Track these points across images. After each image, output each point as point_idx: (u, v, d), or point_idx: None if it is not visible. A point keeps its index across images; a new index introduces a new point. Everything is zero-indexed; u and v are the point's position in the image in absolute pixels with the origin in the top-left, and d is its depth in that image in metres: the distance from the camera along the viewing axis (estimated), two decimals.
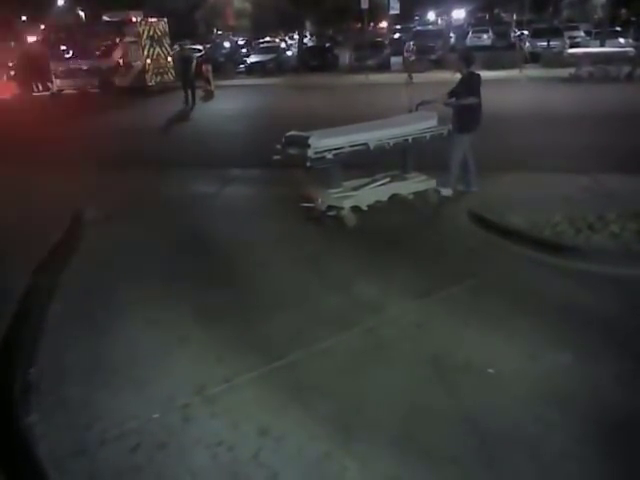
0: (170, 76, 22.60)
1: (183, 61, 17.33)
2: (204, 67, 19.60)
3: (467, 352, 3.60)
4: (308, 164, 5.56)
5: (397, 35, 36.11)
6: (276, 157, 5.87)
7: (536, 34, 25.03)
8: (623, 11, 34.45)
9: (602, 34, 23.70)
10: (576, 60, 17.87)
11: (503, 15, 49.48)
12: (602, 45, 22.13)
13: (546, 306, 4.14)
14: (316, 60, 26.95)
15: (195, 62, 17.78)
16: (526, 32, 26.60)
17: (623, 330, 3.80)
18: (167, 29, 22.49)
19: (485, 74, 6.77)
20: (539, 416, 3.00)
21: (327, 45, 31.11)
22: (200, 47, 30.14)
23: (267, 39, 37.75)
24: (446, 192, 6.51)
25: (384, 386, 3.34)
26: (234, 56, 30.65)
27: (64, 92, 22.40)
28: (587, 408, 3.05)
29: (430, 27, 39.48)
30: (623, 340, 3.68)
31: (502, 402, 3.14)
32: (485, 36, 30.94)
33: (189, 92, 16.60)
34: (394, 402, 3.19)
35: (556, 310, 4.07)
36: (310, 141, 5.53)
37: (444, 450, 2.81)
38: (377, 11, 36.47)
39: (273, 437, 2.93)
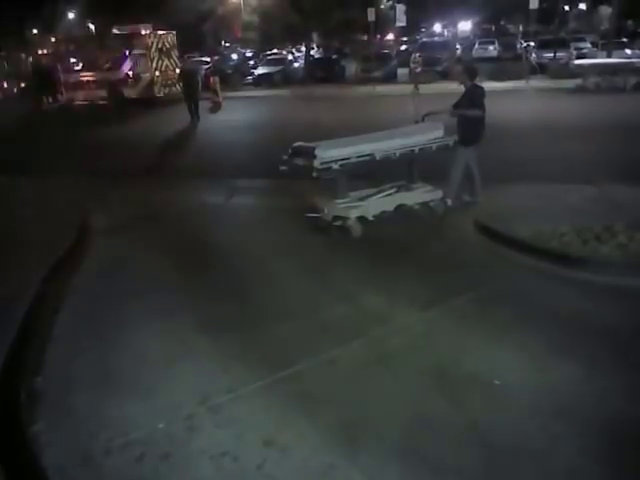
0: (178, 88, 22.80)
1: (186, 74, 16.64)
2: (212, 79, 19.80)
3: (473, 363, 3.58)
4: (314, 175, 5.59)
5: (403, 47, 36.27)
6: (283, 168, 5.90)
7: (542, 45, 25.02)
8: (629, 22, 34.49)
9: (609, 45, 23.67)
10: (582, 71, 17.86)
11: (509, 26, 49.63)
12: (609, 56, 22.10)
13: (552, 317, 4.11)
14: (323, 72, 27.05)
15: (201, 75, 16.77)
16: (532, 43, 26.65)
17: (630, 342, 3.77)
18: (175, 41, 22.72)
19: (491, 85, 6.82)
20: (545, 428, 2.98)
21: (334, 57, 31.28)
22: (208, 59, 30.42)
23: (274, 51, 38.01)
24: (449, 202, 6.52)
25: (389, 397, 3.33)
26: (242, 68, 30.88)
27: (73, 104, 22.65)
28: (593, 420, 3.03)
29: (436, 39, 39.63)
30: (630, 352, 3.65)
31: (508, 414, 3.12)
32: (491, 47, 31.00)
33: (192, 107, 15.62)
34: (399, 413, 3.17)
35: (562, 321, 4.05)
36: (316, 152, 5.56)
37: (449, 462, 2.79)
38: (384, 23, 36.69)
39: (278, 448, 2.93)
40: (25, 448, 3.03)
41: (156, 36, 21.79)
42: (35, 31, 36.53)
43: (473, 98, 6.33)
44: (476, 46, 31.55)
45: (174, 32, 22.89)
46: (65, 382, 3.60)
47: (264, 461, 2.84)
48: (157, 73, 21.69)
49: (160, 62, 21.80)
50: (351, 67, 27.21)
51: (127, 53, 21.70)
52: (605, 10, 33.68)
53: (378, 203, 6.14)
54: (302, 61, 33.48)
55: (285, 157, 5.91)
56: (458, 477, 2.70)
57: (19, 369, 3.68)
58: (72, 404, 3.38)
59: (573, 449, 2.83)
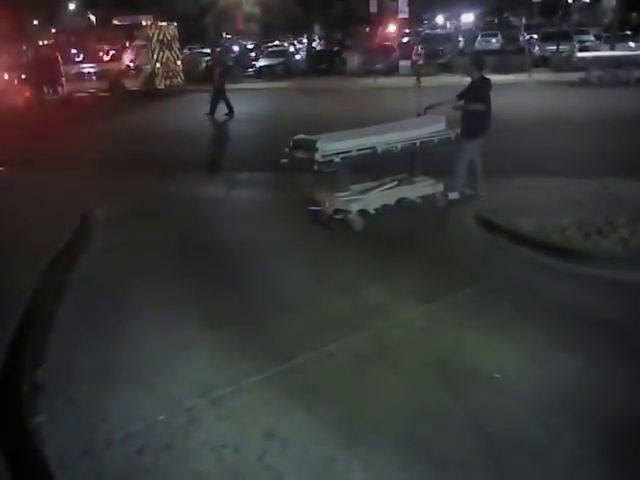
0: (179, 79, 22.75)
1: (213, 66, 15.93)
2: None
3: (473, 356, 3.59)
4: (316, 167, 5.57)
5: (406, 39, 36.10)
6: (284, 160, 5.89)
7: (545, 38, 24.93)
8: (633, 15, 34.27)
9: (612, 38, 23.56)
10: (585, 64, 17.78)
11: (512, 19, 49.34)
12: (612, 49, 22.00)
13: (553, 311, 4.11)
14: (324, 64, 26.99)
15: (222, 67, 15.89)
16: (535, 36, 26.51)
17: (631, 335, 3.77)
18: (177, 33, 22.64)
19: (494, 78, 6.76)
20: (545, 421, 2.98)
21: (335, 49, 31.17)
22: (209, 51, 30.29)
23: (276, 43, 37.86)
24: (453, 196, 6.50)
25: (390, 390, 3.33)
26: (243, 60, 30.76)
27: (74, 95, 22.60)
28: (594, 413, 3.03)
29: (439, 31, 39.49)
30: (630, 345, 3.65)
31: (508, 407, 3.13)
32: (494, 40, 30.80)
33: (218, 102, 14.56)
34: (400, 406, 3.18)
35: (563, 315, 4.05)
36: (318, 144, 5.54)
37: (450, 454, 2.80)
38: (386, 15, 36.49)
39: (278, 440, 2.94)
40: (26, 440, 3.04)
41: (157, 27, 21.70)
42: (36, 22, 36.36)
43: (479, 90, 6.29)
44: (479, 38, 31.34)
45: (175, 24, 22.80)
46: (66, 374, 3.60)
47: (265, 453, 2.85)
48: (158, 65, 21.62)
49: (161, 54, 21.74)
50: (353, 59, 27.09)
51: (128, 45, 21.63)
52: (608, 2, 33.44)
53: (379, 196, 6.13)
54: (304, 53, 33.38)
55: (286, 150, 5.89)
56: (459, 470, 2.71)
57: (20, 361, 3.69)
58: (73, 396, 3.38)
59: (573, 442, 2.84)
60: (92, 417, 3.18)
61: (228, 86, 15.44)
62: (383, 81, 21.49)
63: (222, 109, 14.72)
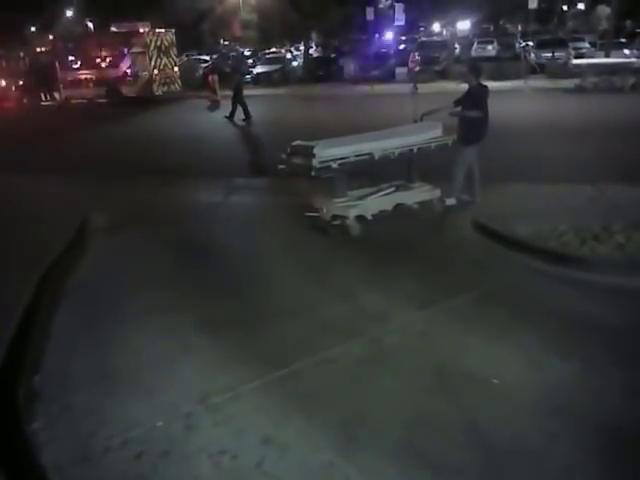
0: (177, 86, 22.81)
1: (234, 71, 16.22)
2: (210, 77, 19.82)
3: (471, 362, 3.59)
4: (313, 173, 5.59)
5: (402, 46, 36.26)
6: (281, 166, 5.91)
7: (541, 45, 25.09)
8: (628, 22, 34.49)
9: (607, 45, 23.71)
10: (581, 71, 17.90)
11: (508, 26, 49.63)
12: (607, 56, 22.15)
13: (550, 316, 4.12)
14: (321, 70, 27.11)
15: (242, 72, 16.26)
16: (531, 43, 26.67)
17: (627, 341, 3.78)
18: (174, 40, 22.71)
19: (490, 85, 6.80)
20: (543, 427, 2.98)
21: (332, 56, 31.30)
22: (207, 57, 30.41)
23: (273, 50, 38.01)
24: (450, 201, 6.52)
25: (388, 396, 3.33)
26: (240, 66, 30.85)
27: (71, 102, 22.63)
28: (591, 418, 3.04)
29: (435, 38, 39.68)
30: (627, 351, 3.66)
31: (506, 412, 3.13)
32: (490, 47, 30.92)
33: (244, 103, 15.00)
34: (398, 412, 3.18)
35: (560, 320, 4.06)
36: (315, 151, 5.56)
37: (448, 460, 2.80)
38: (382, 22, 36.68)
39: (276, 446, 2.93)
40: (24, 446, 3.03)
41: (155, 34, 21.80)
42: (33, 29, 36.44)
43: (476, 97, 6.32)
44: (475, 46, 31.48)
45: (173, 30, 22.89)
46: (64, 380, 3.60)
47: (263, 459, 2.84)
48: (155, 71, 21.69)
49: (159, 60, 21.82)
50: (349, 66, 27.21)
51: (125, 51, 21.70)
52: (603, 10, 33.71)
53: (377, 202, 6.15)
54: (301, 60, 33.53)
55: (284, 156, 5.91)
56: (457, 476, 2.71)
57: (18, 367, 3.68)
58: (71, 402, 3.37)
59: (571, 447, 2.84)
60: (90, 423, 3.17)
61: (226, 92, 15.51)
62: (380, 88, 21.57)
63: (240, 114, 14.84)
